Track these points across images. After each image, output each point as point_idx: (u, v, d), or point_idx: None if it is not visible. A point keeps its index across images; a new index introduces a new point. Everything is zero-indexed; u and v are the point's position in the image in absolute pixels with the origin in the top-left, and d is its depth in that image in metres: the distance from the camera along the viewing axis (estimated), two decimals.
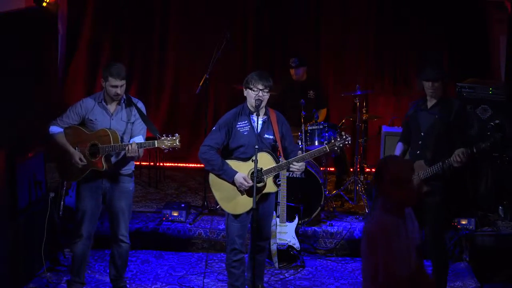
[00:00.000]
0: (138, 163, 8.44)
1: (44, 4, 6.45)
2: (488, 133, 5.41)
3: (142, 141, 5.39)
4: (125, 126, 5.45)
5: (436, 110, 5.53)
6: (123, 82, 5.35)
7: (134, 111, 5.47)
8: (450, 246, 6.54)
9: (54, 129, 5.44)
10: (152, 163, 8.46)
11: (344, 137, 5.24)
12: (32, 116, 6.15)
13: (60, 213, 6.53)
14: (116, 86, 5.32)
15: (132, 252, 6.54)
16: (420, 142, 5.57)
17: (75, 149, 5.39)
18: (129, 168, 5.54)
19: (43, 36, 6.55)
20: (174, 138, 5.26)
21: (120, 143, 5.33)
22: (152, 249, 6.70)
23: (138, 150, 5.27)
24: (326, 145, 5.24)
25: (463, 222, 6.64)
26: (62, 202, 6.57)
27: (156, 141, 5.26)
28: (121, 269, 5.64)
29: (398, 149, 5.80)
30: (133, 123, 5.47)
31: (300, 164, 5.20)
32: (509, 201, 6.88)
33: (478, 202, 6.96)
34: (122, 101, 5.45)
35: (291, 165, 5.19)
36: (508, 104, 6.88)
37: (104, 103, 5.43)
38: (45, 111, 6.40)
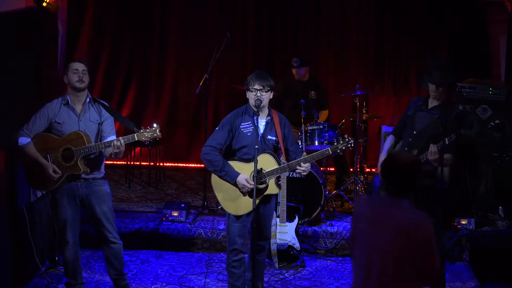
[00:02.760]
0: (138, 163, 8.49)
1: (44, 4, 6.44)
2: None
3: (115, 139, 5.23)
4: (95, 127, 5.34)
5: (437, 112, 5.56)
6: (84, 67, 5.30)
7: (103, 111, 5.37)
8: (450, 246, 6.54)
9: (23, 140, 5.25)
10: (152, 163, 8.46)
11: (347, 139, 5.20)
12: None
13: None
14: (77, 70, 5.26)
15: (132, 252, 6.55)
16: (410, 140, 5.65)
17: (47, 157, 5.22)
18: (102, 171, 5.46)
19: (43, 36, 6.54)
20: (153, 129, 5.18)
21: (97, 143, 5.23)
22: (152, 249, 6.69)
23: (123, 145, 5.18)
24: (329, 148, 5.20)
25: (463, 222, 6.64)
26: None
27: (135, 135, 5.17)
28: (120, 267, 5.61)
29: (388, 142, 5.85)
30: (102, 123, 5.37)
31: (306, 165, 5.18)
32: (509, 201, 6.88)
33: (478, 202, 6.96)
34: (87, 101, 5.36)
35: (297, 167, 5.18)
36: (508, 104, 6.88)
37: (71, 104, 5.33)
38: None
